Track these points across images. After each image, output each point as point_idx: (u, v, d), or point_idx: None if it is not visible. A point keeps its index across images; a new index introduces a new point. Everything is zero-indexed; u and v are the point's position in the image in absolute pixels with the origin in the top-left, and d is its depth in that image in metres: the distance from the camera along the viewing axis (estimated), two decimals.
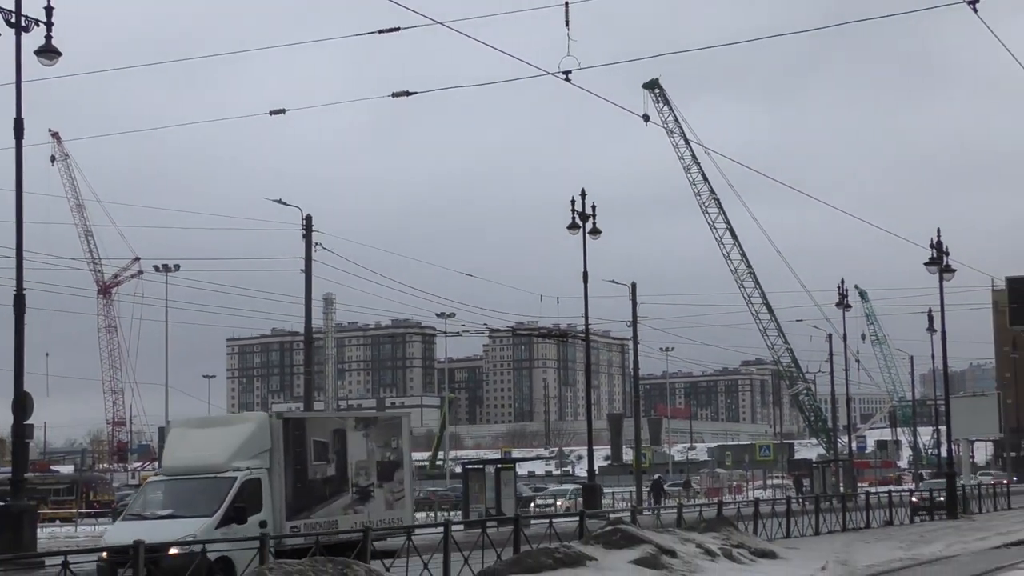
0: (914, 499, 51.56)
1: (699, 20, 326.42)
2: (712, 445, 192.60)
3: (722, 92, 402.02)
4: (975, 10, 23.36)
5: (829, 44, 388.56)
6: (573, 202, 50.10)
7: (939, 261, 48.93)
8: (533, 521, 33.46)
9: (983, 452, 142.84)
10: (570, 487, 67.32)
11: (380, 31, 27.43)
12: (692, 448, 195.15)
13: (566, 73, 26.13)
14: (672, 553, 24.91)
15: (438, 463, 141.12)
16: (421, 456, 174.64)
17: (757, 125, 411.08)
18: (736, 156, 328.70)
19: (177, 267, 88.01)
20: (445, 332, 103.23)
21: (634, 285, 65.00)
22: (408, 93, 30.11)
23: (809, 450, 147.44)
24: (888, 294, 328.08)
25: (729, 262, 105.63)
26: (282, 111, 34.25)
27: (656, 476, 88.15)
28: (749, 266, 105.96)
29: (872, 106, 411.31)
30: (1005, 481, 73.01)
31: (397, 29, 26.77)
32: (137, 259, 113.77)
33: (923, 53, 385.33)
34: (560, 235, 51.11)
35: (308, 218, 46.72)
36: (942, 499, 49.55)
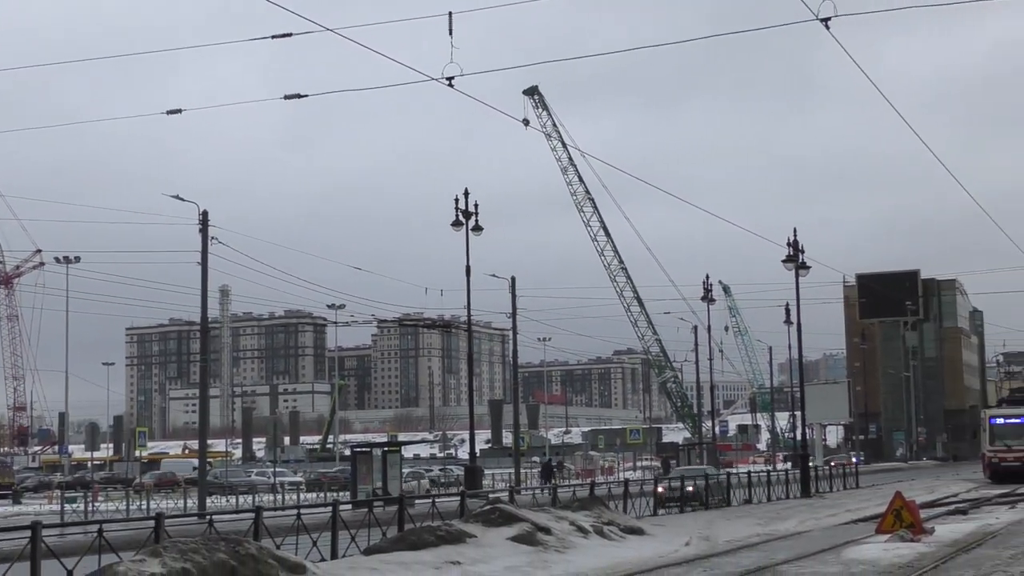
0: (660, 489, 41.89)
1: (592, 30, 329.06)
2: (586, 429, 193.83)
3: (612, 99, 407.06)
4: (827, 27, 23.72)
5: (715, 56, 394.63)
6: (457, 200, 50.26)
7: (795, 259, 49.82)
8: (418, 501, 33.52)
9: (835, 435, 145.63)
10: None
11: (273, 36, 27.15)
12: (568, 432, 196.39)
13: (449, 79, 26.06)
14: (547, 530, 25.05)
15: (328, 446, 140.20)
16: (312, 440, 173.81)
17: (643, 131, 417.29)
18: (622, 160, 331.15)
19: (77, 259, 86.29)
20: (335, 322, 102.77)
21: (513, 279, 65.14)
22: (299, 96, 29.90)
23: (676, 434, 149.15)
24: (750, 289, 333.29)
25: (603, 258, 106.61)
26: (178, 111, 33.80)
27: (547, 458, 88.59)
28: (621, 262, 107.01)
29: (752, 115, 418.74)
30: (853, 461, 74.39)
31: (289, 35, 26.54)
32: (38, 251, 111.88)
33: (800, 66, 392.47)
34: (446, 232, 51.28)
35: (204, 213, 46.16)
36: (691, 489, 41.76)
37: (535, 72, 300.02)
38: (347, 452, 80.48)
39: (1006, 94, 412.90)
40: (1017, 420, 59.94)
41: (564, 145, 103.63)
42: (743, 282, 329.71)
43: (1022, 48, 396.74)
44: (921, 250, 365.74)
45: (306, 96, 29.92)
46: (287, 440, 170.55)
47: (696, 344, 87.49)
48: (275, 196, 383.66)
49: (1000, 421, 60.48)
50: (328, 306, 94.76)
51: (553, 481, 63.99)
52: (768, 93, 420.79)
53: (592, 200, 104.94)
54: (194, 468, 70.49)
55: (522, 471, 70.60)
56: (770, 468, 70.08)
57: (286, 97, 30.20)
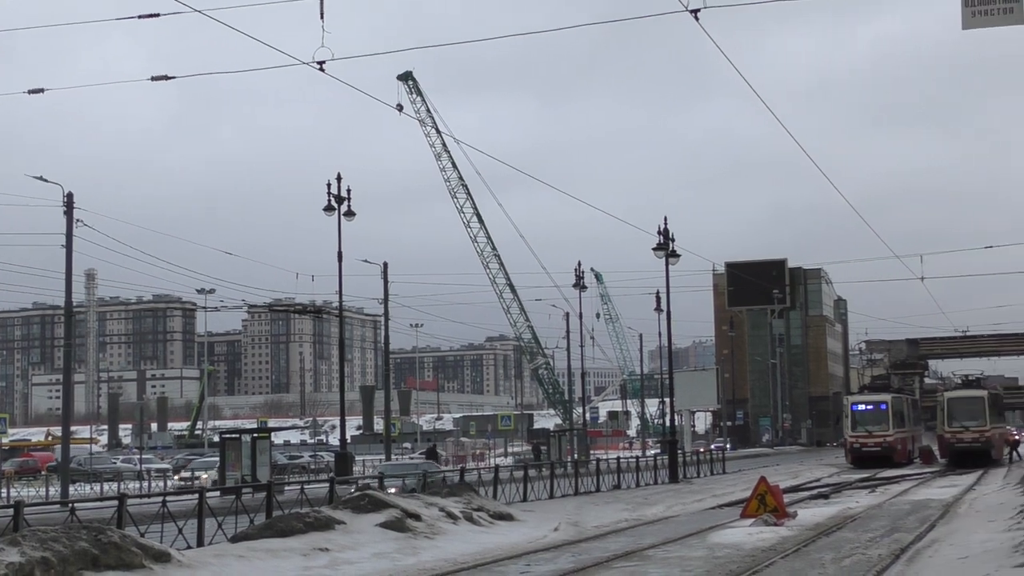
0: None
1: (479, 19, 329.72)
2: (458, 415, 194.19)
3: (505, 89, 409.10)
4: (696, 19, 23.95)
5: (608, 48, 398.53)
6: (329, 185, 49.88)
7: (665, 247, 50.38)
8: (287, 488, 33.24)
9: (703, 422, 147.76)
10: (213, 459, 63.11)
11: (140, 16, 26.66)
12: (439, 418, 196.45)
13: (320, 63, 25.81)
14: (417, 516, 25.04)
15: (196, 432, 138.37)
16: (180, 426, 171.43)
17: (534, 120, 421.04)
18: (509, 148, 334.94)
19: None
20: (205, 307, 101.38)
21: (386, 265, 64.94)
22: (166, 77, 29.32)
23: (547, 420, 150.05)
24: (623, 277, 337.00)
25: (476, 245, 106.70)
26: (40, 90, 32.90)
27: (431, 443, 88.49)
28: (494, 249, 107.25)
29: (643, 106, 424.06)
30: (711, 448, 75.54)
31: (157, 15, 26.07)
32: None
33: (690, 57, 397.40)
34: (319, 217, 50.82)
35: (69, 195, 45.14)
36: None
37: (425, 61, 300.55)
38: (216, 438, 79.50)
39: (887, 89, 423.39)
40: (878, 406, 61.43)
41: (438, 131, 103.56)
42: (616, 270, 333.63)
43: (901, 44, 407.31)
44: (800, 239, 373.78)
45: (173, 78, 29.33)
46: (154, 427, 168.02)
47: (568, 331, 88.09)
48: (150, 181, 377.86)
49: (862, 407, 61.90)
50: (198, 291, 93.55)
51: (462, 466, 63.83)
52: (660, 84, 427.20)
53: (466, 187, 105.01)
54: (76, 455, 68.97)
55: (394, 457, 70.47)
56: (639, 454, 70.87)
57: (153, 79, 29.55)
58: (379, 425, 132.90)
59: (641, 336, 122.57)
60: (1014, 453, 63.68)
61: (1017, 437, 72.62)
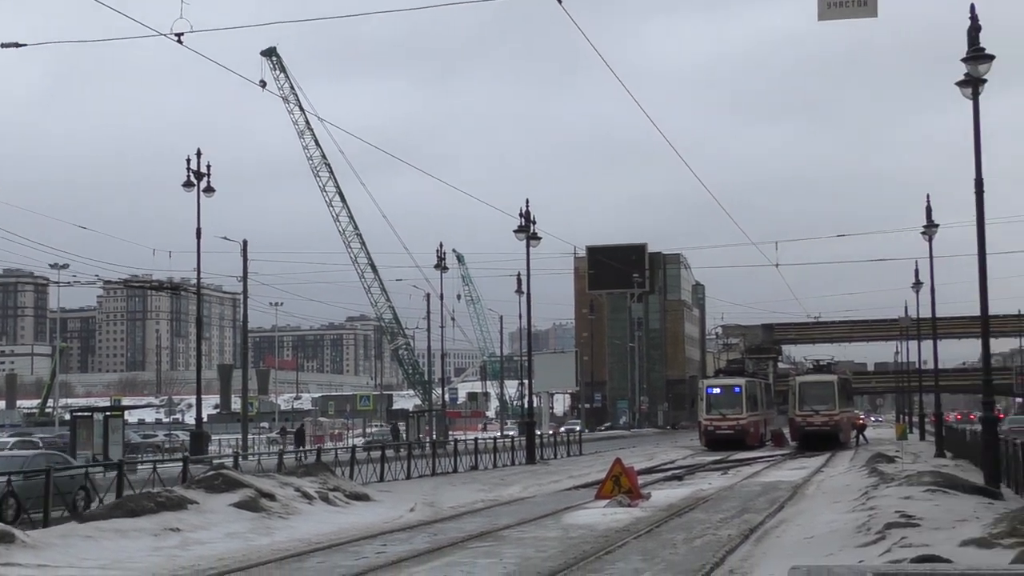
0: None
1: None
2: (317, 395, 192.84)
3: (383, 69, 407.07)
4: (560, 3, 24.01)
5: (491, 32, 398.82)
6: (189, 161, 49.04)
7: (526, 229, 50.54)
8: (140, 467, 32.64)
9: (562, 403, 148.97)
10: None
11: None
12: (298, 398, 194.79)
13: (178, 35, 25.32)
14: (271, 496, 24.82)
15: (47, 410, 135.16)
16: (30, 403, 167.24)
17: (412, 101, 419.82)
18: (384, 130, 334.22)
19: None
20: (58, 282, 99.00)
21: (245, 243, 64.14)
22: (17, 45, 28.46)
23: (407, 400, 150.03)
24: (486, 259, 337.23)
25: (338, 224, 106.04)
26: None
27: (300, 423, 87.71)
28: (356, 228, 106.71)
29: (525, 90, 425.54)
30: (561, 431, 76.14)
31: None
32: None
33: (572, 43, 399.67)
34: (179, 193, 49.83)
35: None
36: None
37: (301, 39, 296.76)
38: (68, 416, 77.72)
39: (756, 79, 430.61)
40: (732, 390, 62.55)
41: (301, 109, 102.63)
42: (480, 251, 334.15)
43: (770, 36, 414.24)
44: (664, 225, 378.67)
45: (23, 45, 28.50)
46: (3, 404, 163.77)
47: (428, 312, 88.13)
48: (8, 154, 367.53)
49: (716, 391, 62.99)
50: (51, 265, 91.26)
51: (305, 446, 63.29)
52: (536, 69, 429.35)
53: (328, 165, 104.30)
54: None
55: (251, 436, 69.77)
56: (497, 435, 71.14)
57: (3, 46, 28.70)
58: (237, 404, 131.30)
59: (502, 318, 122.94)
60: (861, 436, 65.40)
61: (864, 421, 74.62)
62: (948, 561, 11.24)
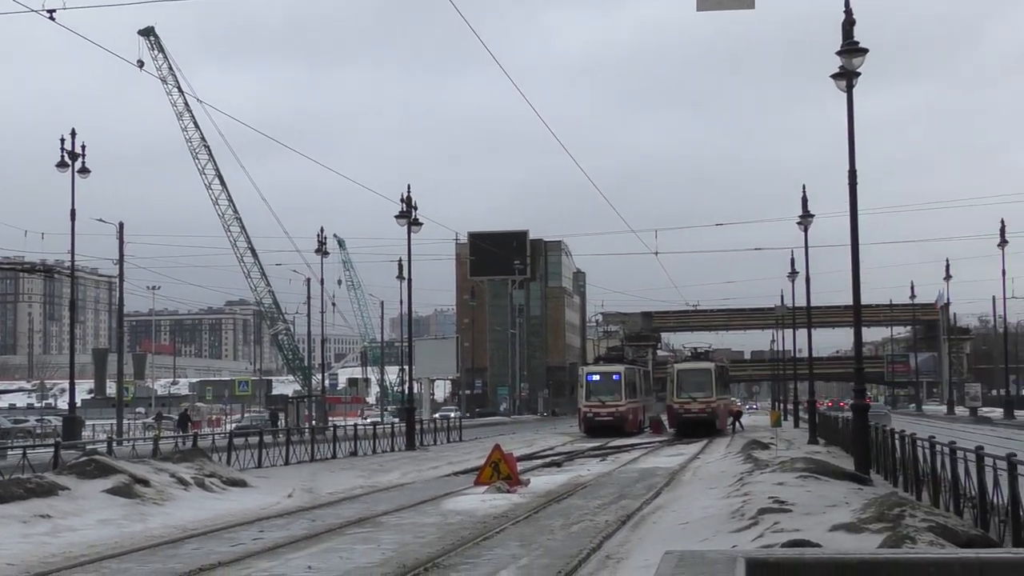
0: None
1: None
2: (195, 380, 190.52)
3: (275, 53, 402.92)
4: None
5: (383, 17, 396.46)
6: (63, 141, 48.04)
7: (408, 215, 50.40)
8: (9, 452, 31.96)
9: (443, 390, 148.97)
10: None
11: None
12: (175, 383, 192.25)
13: (50, 11, 24.76)
14: (146, 482, 24.45)
15: None
16: None
17: (303, 86, 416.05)
18: (278, 113, 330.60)
19: None
20: None
21: (121, 224, 62.95)
22: None
23: (287, 386, 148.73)
24: (368, 244, 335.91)
25: (217, 207, 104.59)
26: None
27: (184, 408, 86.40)
28: (236, 212, 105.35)
29: (419, 76, 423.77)
30: (436, 417, 76.20)
31: None
32: None
33: (466, 31, 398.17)
34: (53, 174, 48.78)
35: None
36: None
37: (194, 22, 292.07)
38: None
39: (644, 71, 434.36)
40: (611, 376, 63.06)
41: (180, 91, 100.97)
42: (363, 237, 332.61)
43: (658, 28, 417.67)
44: (550, 214, 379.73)
45: None
46: None
47: (309, 297, 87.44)
48: None
49: (596, 377, 63.46)
50: None
51: (195, 431, 62.33)
52: (428, 56, 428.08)
53: (207, 148, 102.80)
54: None
55: (126, 422, 68.61)
56: (377, 421, 70.89)
57: None
58: (112, 389, 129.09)
59: (383, 303, 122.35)
60: (737, 423, 66.36)
61: (740, 408, 75.75)
62: (818, 546, 11.46)
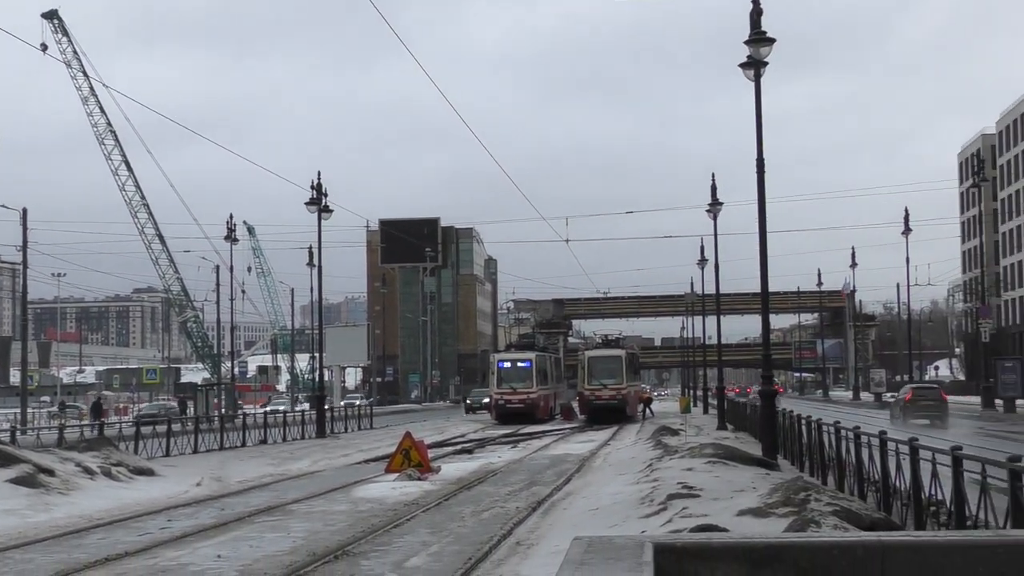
0: None
1: None
2: (102, 368, 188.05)
3: (194, 40, 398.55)
4: None
5: (302, 6, 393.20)
6: None
7: (318, 202, 50.09)
8: None
9: (354, 377, 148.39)
10: None
11: None
12: (81, 371, 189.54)
13: None
14: (51, 472, 24.09)
15: None
16: None
17: (223, 73, 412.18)
18: (195, 100, 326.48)
19: None
20: None
21: (25, 211, 61.99)
22: None
23: (196, 374, 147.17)
24: (278, 231, 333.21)
25: (124, 194, 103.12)
26: None
27: (97, 396, 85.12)
28: (143, 198, 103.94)
29: (340, 64, 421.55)
30: (357, 403, 75.96)
31: None
32: None
33: (390, 19, 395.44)
34: None
35: None
36: None
37: (118, 9, 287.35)
38: None
39: (567, 59, 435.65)
40: (522, 364, 63.22)
41: (85, 75, 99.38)
42: (273, 224, 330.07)
43: (580, 19, 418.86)
44: (465, 202, 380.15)
45: None
46: None
47: (218, 284, 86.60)
48: None
49: (507, 365, 63.57)
50: None
51: (102, 419, 61.48)
52: (349, 45, 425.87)
53: (114, 133, 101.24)
54: None
55: (30, 411, 67.60)
56: (287, 409, 70.53)
57: None
58: (16, 378, 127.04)
59: (293, 291, 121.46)
60: (648, 410, 66.87)
61: (650, 395, 76.37)
62: (725, 530, 11.59)
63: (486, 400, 77.75)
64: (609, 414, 60.30)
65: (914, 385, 57.97)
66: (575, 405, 67.08)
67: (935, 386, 59.22)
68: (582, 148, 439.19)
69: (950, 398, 57.01)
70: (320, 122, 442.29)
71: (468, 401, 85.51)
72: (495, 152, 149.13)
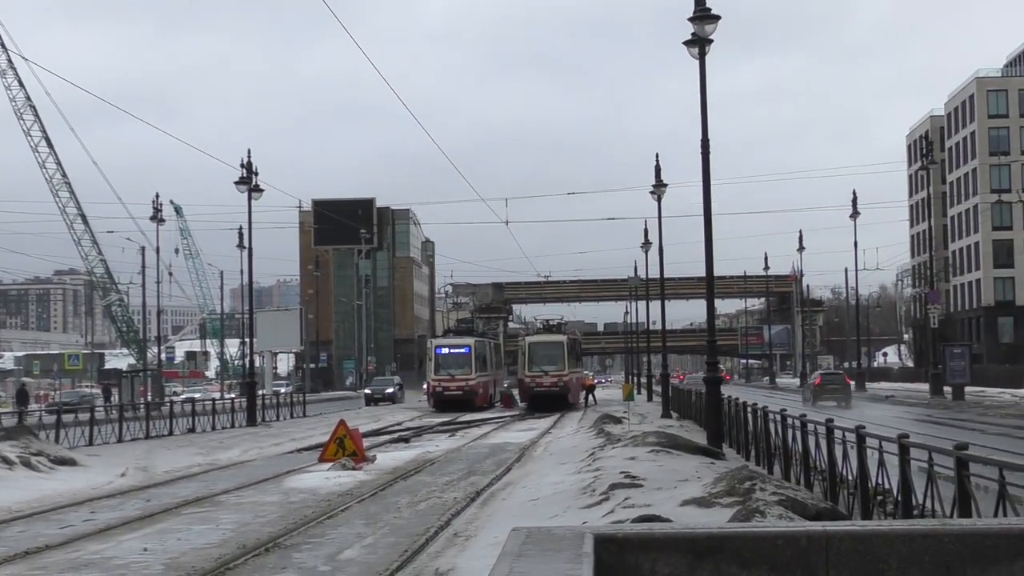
0: None
1: None
2: (21, 354, 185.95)
3: (121, 14, 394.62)
4: None
5: None
6: None
7: (248, 180, 49.78)
8: None
9: (286, 363, 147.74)
10: None
11: None
12: (0, 357, 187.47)
13: None
14: None
15: None
16: None
17: (150, 49, 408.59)
18: (123, 76, 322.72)
19: None
20: None
21: None
22: None
23: (120, 360, 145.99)
24: (207, 211, 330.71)
25: (45, 171, 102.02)
26: None
27: (20, 383, 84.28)
28: (65, 176, 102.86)
29: (274, 43, 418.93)
30: (283, 391, 75.77)
31: None
32: None
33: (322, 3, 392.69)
34: None
35: None
36: None
37: None
38: None
39: (513, 38, 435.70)
40: (461, 350, 63.25)
41: (3, 47, 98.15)
42: (203, 204, 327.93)
43: None
44: (403, 182, 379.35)
45: None
46: None
47: (144, 266, 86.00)
48: None
49: (445, 351, 63.58)
50: None
51: (27, 407, 60.79)
52: (292, 22, 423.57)
53: (33, 108, 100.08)
54: None
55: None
56: (216, 396, 70.19)
57: None
58: None
59: (222, 273, 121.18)
60: (591, 397, 67.10)
61: (594, 382, 76.65)
62: (668, 521, 11.69)
63: (390, 390, 77.44)
64: (550, 402, 60.48)
65: (822, 372, 74.37)
66: (515, 392, 67.22)
67: (840, 373, 72.79)
68: (525, 127, 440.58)
69: (898, 384, 59.25)
70: (257, 100, 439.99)
71: (369, 391, 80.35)
72: (435, 131, 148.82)
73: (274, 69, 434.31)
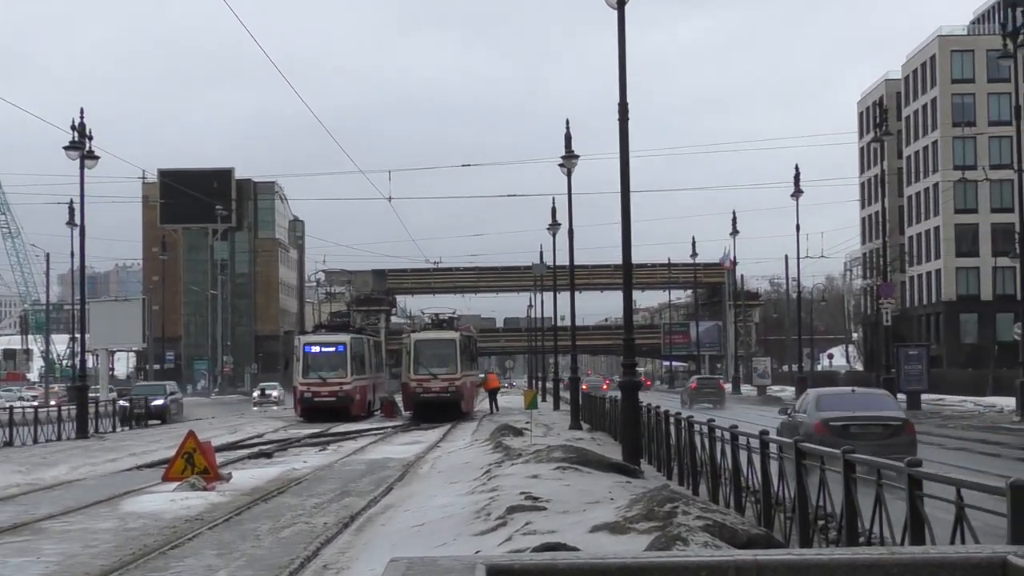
0: None
1: None
2: None
3: None
4: None
5: None
6: None
7: (81, 146, 49.07)
8: None
9: (126, 363, 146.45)
10: None
11: None
12: None
13: None
14: None
15: None
16: None
17: None
18: None
19: None
20: None
21: None
22: None
23: None
24: (30, 182, 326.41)
25: None
26: None
27: None
28: None
29: None
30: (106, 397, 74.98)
31: None
32: None
33: None
34: None
35: None
36: None
37: None
38: None
39: None
40: (334, 348, 63.06)
41: None
42: (25, 175, 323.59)
43: None
44: (275, 153, 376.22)
45: None
46: None
47: None
48: None
49: (316, 350, 63.39)
50: None
51: None
52: None
53: None
54: None
55: None
56: (39, 403, 69.39)
57: None
58: None
59: (48, 256, 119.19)
60: (493, 404, 67.25)
61: (499, 383, 76.77)
62: (575, 549, 11.75)
63: (159, 402, 75.33)
64: (439, 410, 60.48)
65: (698, 377, 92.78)
66: (399, 399, 67.19)
67: (715, 378, 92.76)
68: (416, 93, 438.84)
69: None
70: (110, 54, 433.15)
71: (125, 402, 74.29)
72: (322, 96, 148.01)
73: (132, 22, 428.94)
